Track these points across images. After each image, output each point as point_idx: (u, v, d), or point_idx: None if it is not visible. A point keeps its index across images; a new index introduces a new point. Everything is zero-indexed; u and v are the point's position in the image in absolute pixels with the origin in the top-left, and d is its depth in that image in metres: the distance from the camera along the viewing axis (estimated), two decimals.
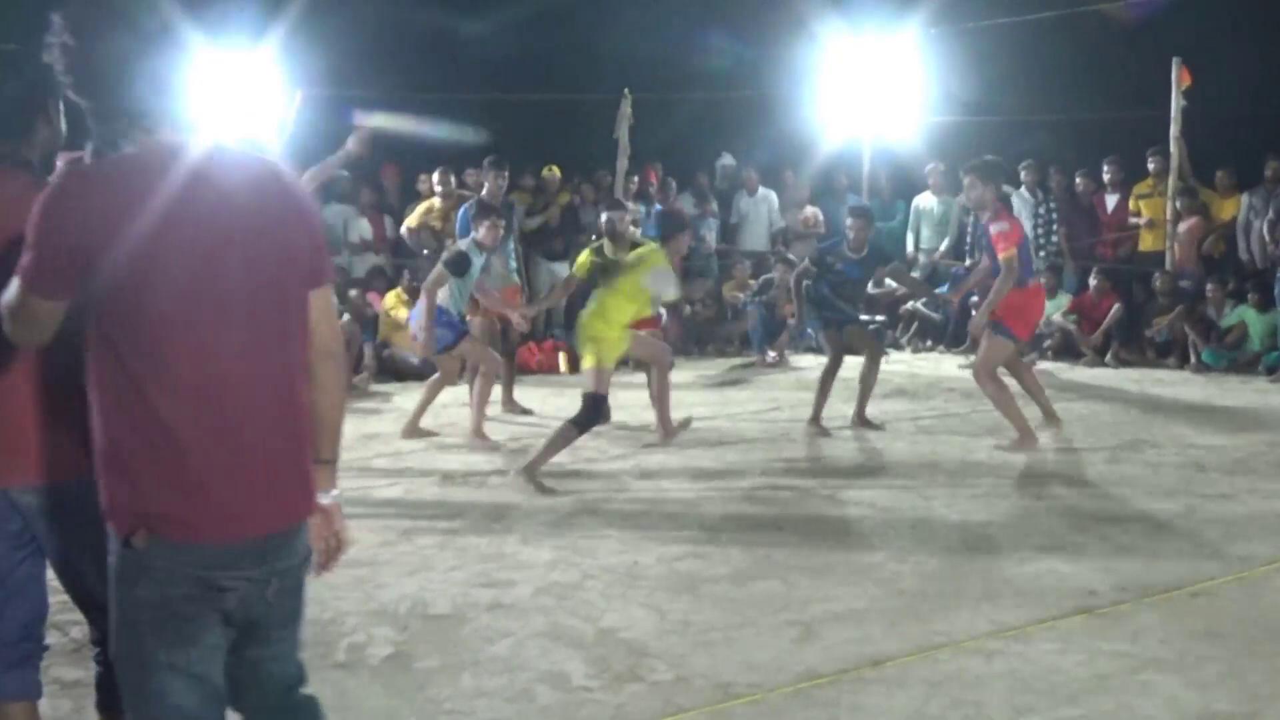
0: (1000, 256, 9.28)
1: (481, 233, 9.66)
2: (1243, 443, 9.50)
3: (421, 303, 9.56)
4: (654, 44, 17.46)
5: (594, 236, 12.14)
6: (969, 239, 15.23)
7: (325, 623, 5.53)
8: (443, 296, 9.46)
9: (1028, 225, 14.33)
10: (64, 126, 3.49)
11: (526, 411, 11.06)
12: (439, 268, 9.50)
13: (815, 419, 10.19)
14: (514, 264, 11.33)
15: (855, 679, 4.83)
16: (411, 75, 16.03)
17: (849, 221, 10.62)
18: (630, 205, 15.52)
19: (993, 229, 9.43)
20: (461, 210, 11.54)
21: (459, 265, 9.44)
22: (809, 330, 13.43)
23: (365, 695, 4.73)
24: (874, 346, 10.64)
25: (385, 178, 16.06)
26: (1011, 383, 9.79)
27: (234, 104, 13.90)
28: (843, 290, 10.41)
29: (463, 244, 9.74)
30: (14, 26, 4.03)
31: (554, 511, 7.57)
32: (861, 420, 10.44)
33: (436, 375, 10.01)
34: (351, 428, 9.60)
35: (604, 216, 10.24)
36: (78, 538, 3.34)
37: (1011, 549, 6.60)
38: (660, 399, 9.67)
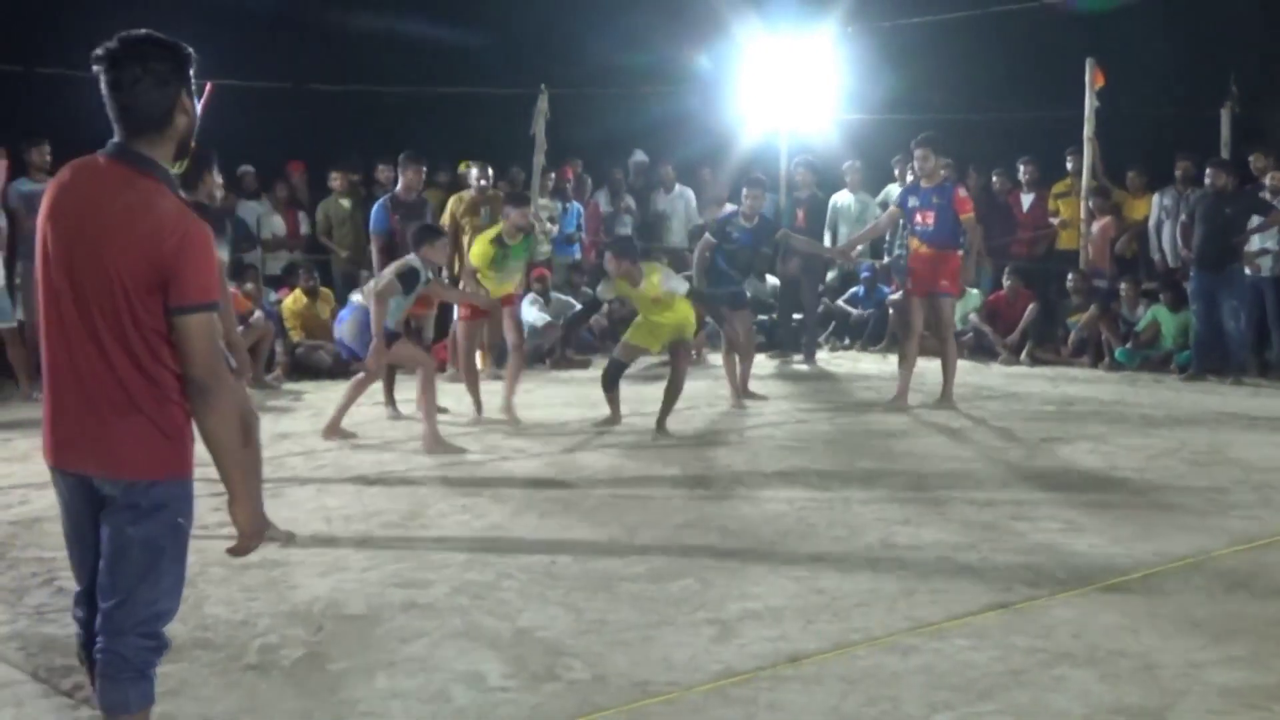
0: (965, 216, 11.18)
1: (427, 250, 9.60)
2: (1155, 441, 9.67)
3: (367, 308, 9.30)
4: (571, 39, 17.49)
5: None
6: (886, 235, 15.29)
7: (237, 624, 5.49)
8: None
9: None
10: (198, 111, 3.62)
11: (443, 410, 10.98)
12: (391, 279, 9.30)
13: (737, 391, 11.56)
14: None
15: (772, 676, 4.86)
16: (320, 68, 15.94)
17: (745, 191, 11.80)
18: (545, 201, 15.60)
19: (962, 191, 11.52)
20: (376, 205, 11.48)
21: (409, 281, 9.35)
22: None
23: (277, 697, 4.69)
24: (748, 330, 11.93)
25: (292, 173, 15.88)
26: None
27: None
28: (736, 259, 11.52)
29: (413, 260, 9.50)
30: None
31: (470, 511, 7.56)
32: (746, 393, 11.67)
33: (360, 375, 9.88)
34: (265, 426, 9.55)
35: (512, 211, 10.75)
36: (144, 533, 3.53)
37: (928, 546, 6.67)
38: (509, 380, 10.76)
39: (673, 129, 17.69)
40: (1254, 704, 4.54)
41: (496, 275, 10.61)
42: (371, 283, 9.56)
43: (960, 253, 11.41)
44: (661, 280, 10.02)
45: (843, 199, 16.29)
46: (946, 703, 4.57)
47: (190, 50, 3.55)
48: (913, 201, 11.32)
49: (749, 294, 11.66)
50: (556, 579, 6.14)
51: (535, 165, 15.78)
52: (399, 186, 11.53)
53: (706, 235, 11.82)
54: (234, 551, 3.63)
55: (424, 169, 11.89)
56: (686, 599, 5.81)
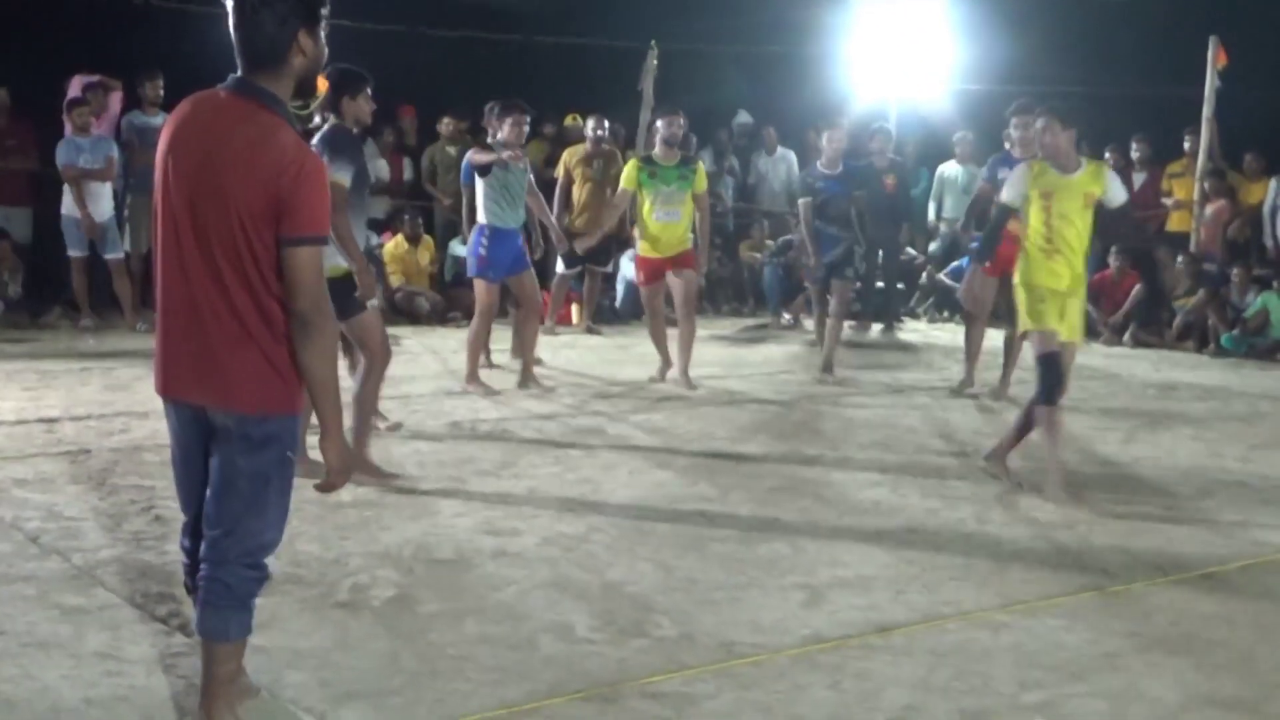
0: None
1: (505, 130, 9.47)
2: (1260, 430, 9.48)
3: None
4: None
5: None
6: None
7: (329, 562, 5.56)
8: (483, 216, 9.45)
9: None
10: (325, 52, 3.64)
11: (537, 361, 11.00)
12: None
13: (827, 368, 10.80)
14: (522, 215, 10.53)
15: (861, 645, 4.84)
16: (431, 12, 15.95)
17: (825, 136, 11.00)
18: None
19: None
20: (466, 156, 11.27)
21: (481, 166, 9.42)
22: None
23: (367, 636, 4.74)
24: (846, 300, 11.06)
25: (403, 118, 15.89)
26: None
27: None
28: (828, 211, 10.63)
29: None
30: None
31: (562, 463, 7.59)
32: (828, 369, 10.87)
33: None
34: None
35: (659, 122, 10.15)
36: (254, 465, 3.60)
37: (1024, 524, 6.60)
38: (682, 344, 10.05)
39: (781, 92, 17.53)
40: None
41: (653, 210, 9.89)
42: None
43: None
44: (1108, 176, 7.59)
45: (950, 170, 16.08)
46: (1037, 682, 4.52)
47: None
48: (1005, 174, 9.74)
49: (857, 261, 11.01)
50: (646, 535, 6.15)
51: (641, 121, 15.70)
52: (502, 135, 11.23)
53: (800, 200, 11.17)
54: (323, 488, 3.70)
55: (527, 118, 11.48)
56: (776, 562, 5.80)
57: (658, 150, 10.03)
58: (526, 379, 9.84)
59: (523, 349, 10.10)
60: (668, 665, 4.56)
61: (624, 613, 5.08)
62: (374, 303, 7.12)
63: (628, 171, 10.09)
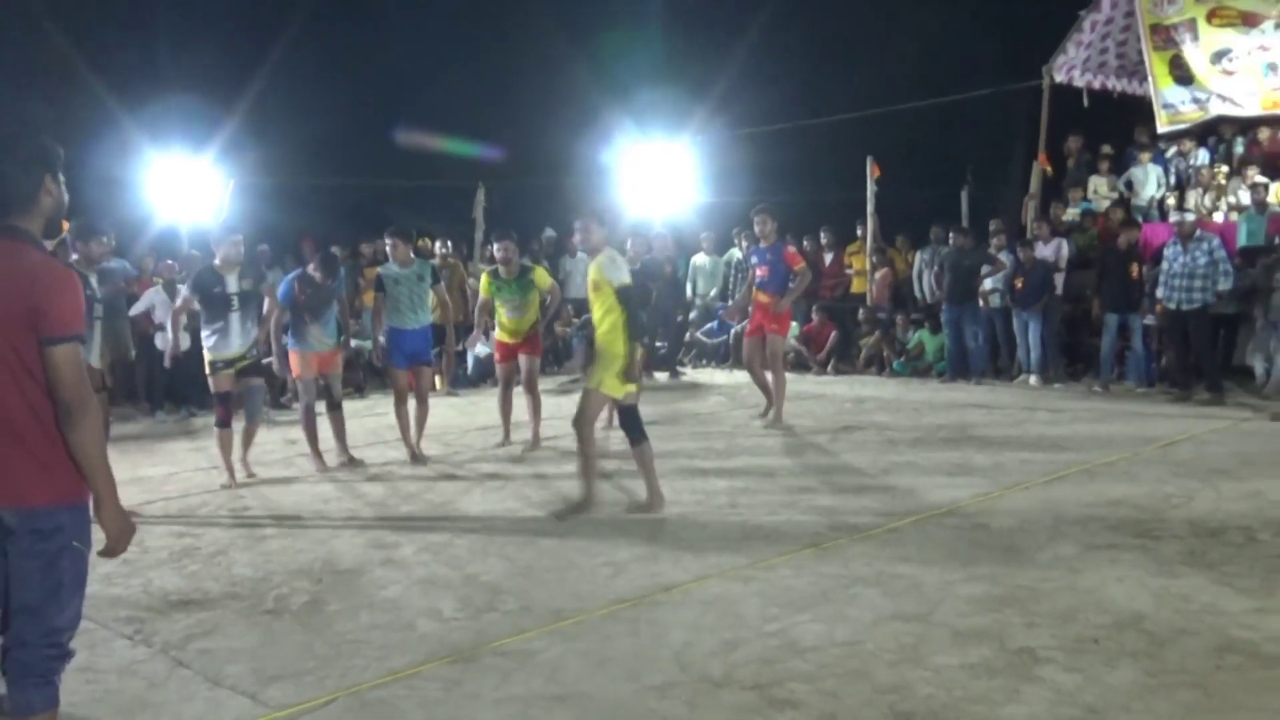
0: (797, 267, 9.86)
1: (499, 252, 9.06)
2: (920, 425, 9.82)
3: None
4: (499, 142, 17.54)
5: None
6: (731, 285, 15.57)
7: (258, 580, 5.39)
8: (387, 318, 8.78)
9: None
10: (66, 196, 3.18)
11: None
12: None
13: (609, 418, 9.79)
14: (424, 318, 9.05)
15: (651, 602, 4.88)
16: (321, 166, 15.76)
17: (629, 241, 10.75)
18: (484, 267, 15.50)
19: (791, 248, 10.09)
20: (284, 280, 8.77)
21: (326, 265, 8.51)
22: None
23: (288, 632, 4.61)
24: (640, 365, 9.78)
25: (305, 249, 15.46)
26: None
27: (180, 194, 13.49)
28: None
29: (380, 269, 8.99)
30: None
31: (432, 492, 7.48)
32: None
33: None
34: (279, 434, 9.36)
35: (495, 247, 9.34)
36: (37, 558, 3.02)
37: (760, 506, 6.71)
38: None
39: (576, 209, 17.72)
40: (991, 608, 4.64)
41: (504, 309, 9.25)
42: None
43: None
44: (605, 263, 6.56)
45: (700, 259, 16.40)
46: (775, 616, 4.62)
47: (54, 145, 3.17)
48: (754, 259, 10.22)
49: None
50: (495, 538, 6.10)
51: (476, 241, 15.72)
52: (312, 268, 8.58)
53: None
54: (104, 553, 3.09)
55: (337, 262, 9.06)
56: (588, 549, 5.80)
57: (499, 269, 9.32)
58: (414, 453, 8.81)
59: (415, 428, 8.97)
60: (513, 630, 4.54)
61: (479, 595, 5.03)
62: None
63: (483, 283, 9.41)
